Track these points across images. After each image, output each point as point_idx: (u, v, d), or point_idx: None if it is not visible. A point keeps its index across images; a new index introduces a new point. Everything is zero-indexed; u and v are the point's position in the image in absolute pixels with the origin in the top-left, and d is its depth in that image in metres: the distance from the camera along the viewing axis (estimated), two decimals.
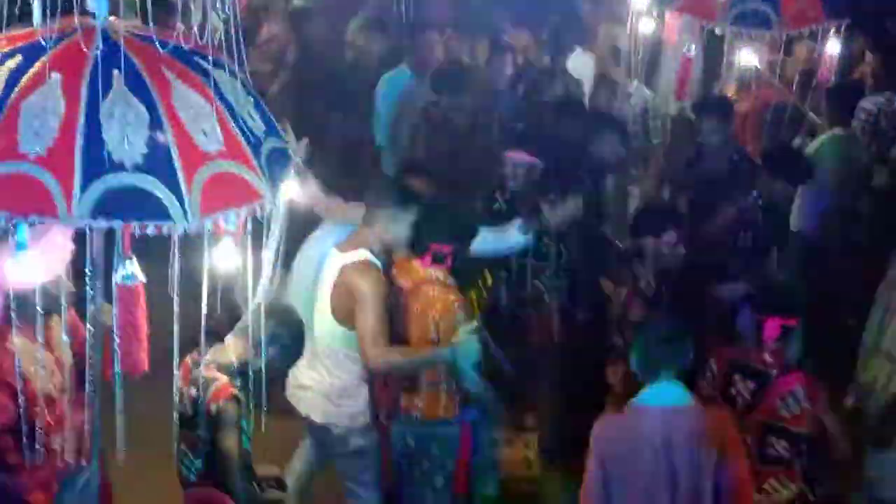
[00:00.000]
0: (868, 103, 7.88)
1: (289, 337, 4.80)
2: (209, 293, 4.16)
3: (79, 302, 4.66)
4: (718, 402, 4.86)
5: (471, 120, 7.40)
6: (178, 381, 4.40)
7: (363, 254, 5.12)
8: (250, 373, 4.52)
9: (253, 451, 4.81)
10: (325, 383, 5.21)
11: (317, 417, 5.31)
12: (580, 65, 8.68)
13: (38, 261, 3.90)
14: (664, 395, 4.29)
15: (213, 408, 4.59)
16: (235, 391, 4.62)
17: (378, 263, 5.16)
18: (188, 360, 4.67)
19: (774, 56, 8.11)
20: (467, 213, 5.50)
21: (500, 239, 5.74)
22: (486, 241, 5.60)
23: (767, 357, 4.89)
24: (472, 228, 5.42)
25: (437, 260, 5.24)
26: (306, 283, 5.20)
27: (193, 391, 4.60)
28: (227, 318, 5.38)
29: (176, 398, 4.38)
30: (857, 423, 5.80)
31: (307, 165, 4.97)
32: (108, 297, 4.52)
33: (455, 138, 7.27)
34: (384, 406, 5.38)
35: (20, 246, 3.71)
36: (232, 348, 4.74)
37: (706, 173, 7.07)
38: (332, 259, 5.14)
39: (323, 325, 5.16)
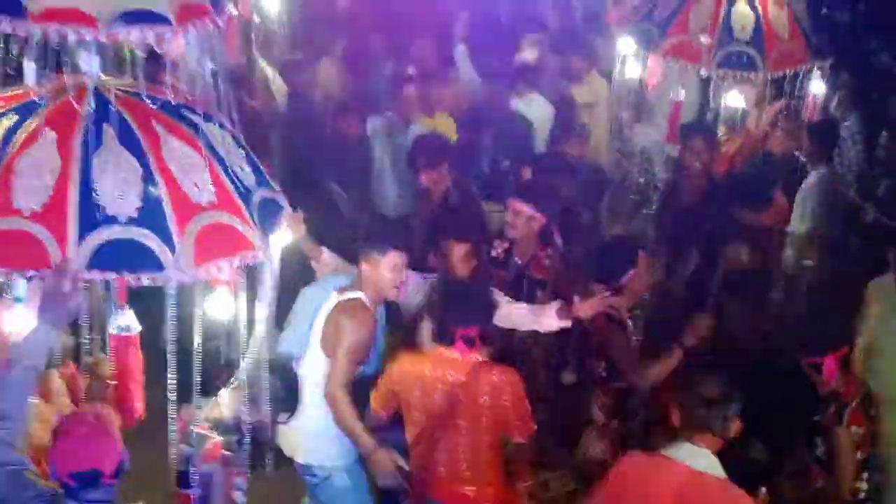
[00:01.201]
0: (844, 132, 8.02)
1: (284, 390, 4.84)
2: (207, 345, 4.24)
3: (76, 354, 4.72)
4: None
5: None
6: (176, 436, 4.43)
7: (358, 294, 5.19)
8: (244, 428, 4.53)
9: None
10: (311, 422, 5.22)
11: (299, 458, 5.28)
12: (536, 109, 8.59)
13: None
14: (695, 455, 4.11)
15: (203, 468, 4.52)
16: (225, 452, 4.58)
17: (370, 305, 5.21)
18: (184, 414, 4.60)
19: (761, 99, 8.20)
20: (484, 289, 5.13)
21: (535, 319, 5.49)
22: (522, 316, 5.44)
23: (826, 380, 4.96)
24: (493, 304, 5.10)
25: (469, 344, 4.88)
26: (302, 321, 5.25)
27: (187, 450, 4.54)
28: (224, 371, 5.49)
29: (173, 454, 4.42)
30: None
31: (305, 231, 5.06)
32: (105, 349, 4.60)
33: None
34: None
35: (18, 300, 3.77)
36: (226, 403, 4.72)
37: (682, 203, 7.12)
38: (330, 300, 5.23)
39: (312, 360, 5.22)
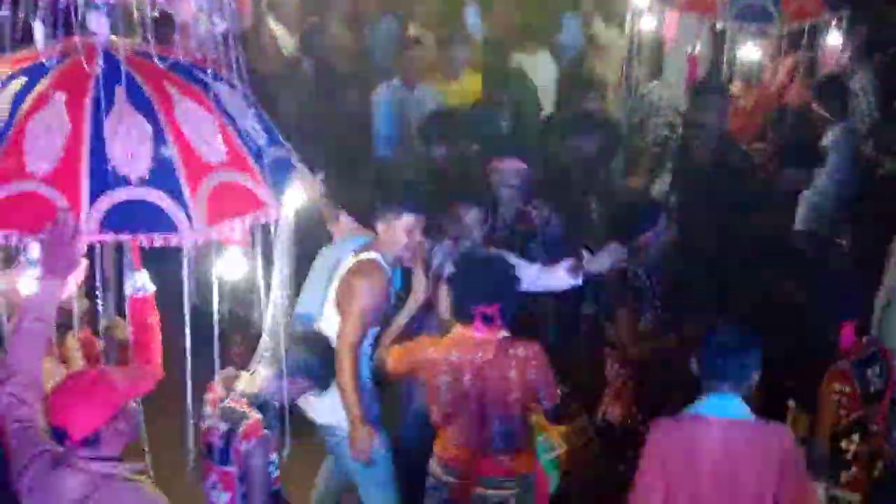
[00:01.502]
0: (854, 84, 7.87)
1: (320, 366, 4.79)
2: (223, 310, 4.21)
3: (92, 317, 4.73)
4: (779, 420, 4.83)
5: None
6: (207, 408, 4.44)
7: (372, 255, 5.20)
8: (277, 404, 4.49)
9: (282, 478, 4.64)
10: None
11: (321, 418, 5.33)
12: (543, 67, 8.62)
13: None
14: (724, 406, 4.19)
15: (243, 446, 4.39)
16: (265, 432, 4.45)
17: (385, 266, 5.21)
18: (218, 386, 4.54)
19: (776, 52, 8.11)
20: (505, 265, 4.98)
21: (549, 278, 5.51)
22: (536, 278, 5.44)
23: (865, 342, 5.06)
24: (515, 281, 4.94)
25: (487, 321, 4.82)
26: (319, 282, 5.27)
27: (223, 426, 4.41)
28: (242, 338, 5.48)
29: (204, 425, 4.42)
30: None
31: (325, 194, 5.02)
32: (120, 312, 4.62)
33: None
34: None
35: (32, 263, 3.77)
36: (259, 378, 4.57)
37: (697, 162, 7.07)
38: (347, 261, 5.24)
39: (328, 320, 5.24)
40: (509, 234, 6.09)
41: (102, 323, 4.74)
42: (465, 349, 4.83)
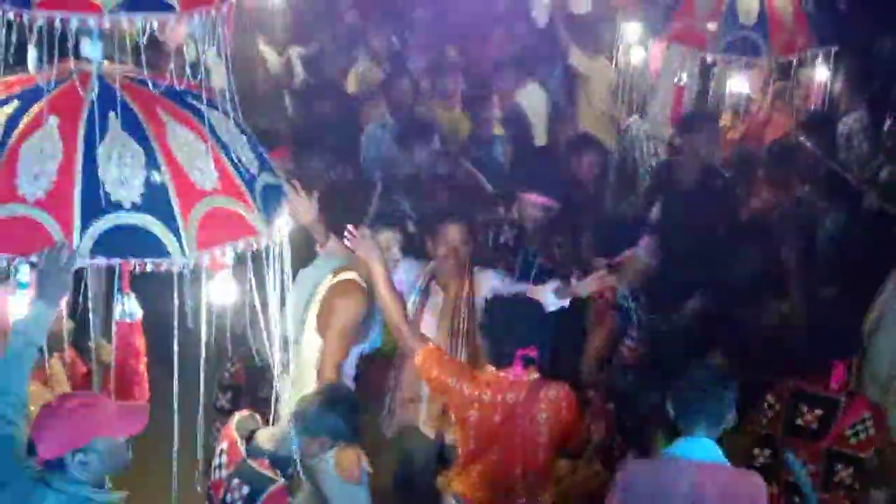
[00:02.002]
0: (841, 125, 7.82)
1: (346, 426, 4.47)
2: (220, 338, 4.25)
3: (76, 338, 4.72)
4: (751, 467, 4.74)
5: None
6: (222, 456, 4.34)
7: (351, 275, 5.22)
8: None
9: None
10: None
11: None
12: (533, 99, 8.55)
13: None
14: (696, 449, 4.12)
15: None
16: (289, 499, 4.27)
17: (364, 286, 5.23)
18: (233, 431, 4.38)
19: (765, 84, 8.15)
20: (538, 307, 4.93)
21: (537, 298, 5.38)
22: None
23: (833, 384, 4.84)
24: (548, 320, 4.93)
25: (528, 364, 4.70)
26: (299, 303, 5.26)
27: (245, 488, 4.20)
28: (243, 367, 5.48)
29: (217, 475, 4.33)
30: None
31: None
32: (105, 334, 4.60)
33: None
34: None
35: (22, 285, 3.78)
36: (281, 434, 4.35)
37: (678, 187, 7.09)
38: (325, 281, 5.26)
39: (309, 340, 5.25)
40: (526, 266, 6.04)
41: (90, 345, 4.72)
42: (497, 389, 4.70)
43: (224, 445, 4.38)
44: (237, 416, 4.48)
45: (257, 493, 4.16)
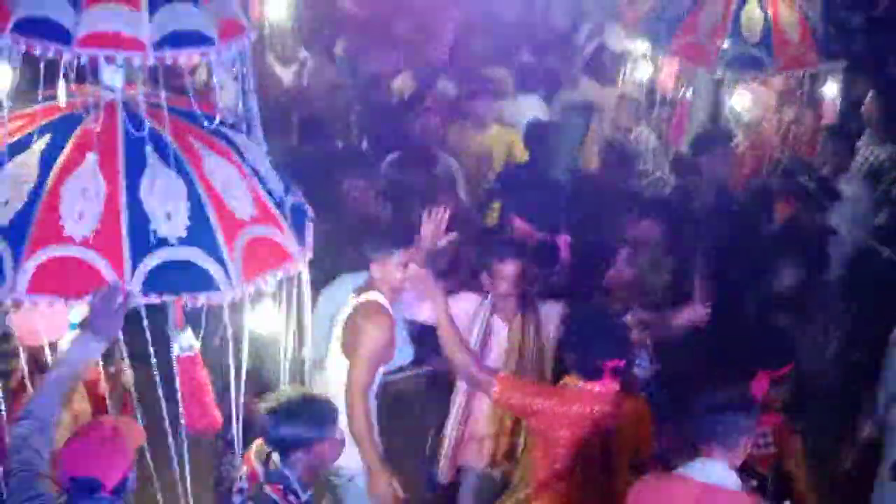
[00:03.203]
0: (869, 153, 7.82)
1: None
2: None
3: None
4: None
5: None
6: (242, 482, 4.28)
7: (374, 295, 5.22)
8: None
9: None
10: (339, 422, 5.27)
11: None
12: (534, 111, 8.49)
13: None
14: (708, 470, 4.14)
15: None
16: None
17: (388, 307, 5.25)
18: (254, 458, 4.28)
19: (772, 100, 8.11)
20: (621, 320, 5.05)
21: None
22: None
23: (755, 393, 4.87)
24: (629, 331, 5.03)
25: (616, 375, 4.72)
26: (325, 324, 5.26)
27: None
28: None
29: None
30: (873, 454, 5.74)
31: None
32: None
33: None
34: None
35: (73, 326, 3.76)
36: None
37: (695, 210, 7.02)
38: (349, 302, 5.25)
39: (335, 361, 5.23)
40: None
41: (110, 369, 4.70)
42: (585, 403, 4.70)
43: (244, 470, 4.34)
44: (256, 443, 4.38)
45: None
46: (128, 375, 4.70)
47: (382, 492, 5.09)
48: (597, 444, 4.71)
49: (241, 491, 4.27)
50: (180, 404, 4.01)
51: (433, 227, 5.17)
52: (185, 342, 3.93)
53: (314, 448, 4.14)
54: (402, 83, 8.88)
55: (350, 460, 5.21)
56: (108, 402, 4.63)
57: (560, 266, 5.88)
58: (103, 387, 4.76)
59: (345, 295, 5.25)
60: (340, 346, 5.18)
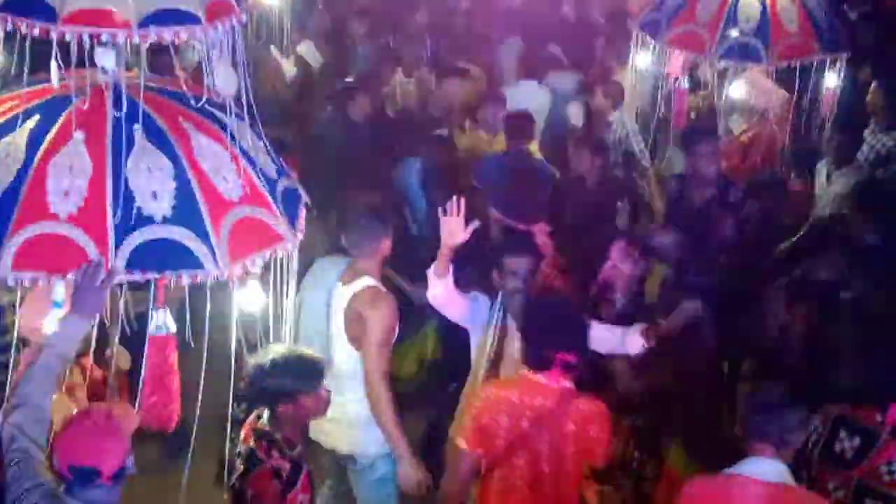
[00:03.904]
0: (875, 141, 7.68)
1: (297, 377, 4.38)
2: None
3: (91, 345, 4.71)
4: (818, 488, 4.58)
5: None
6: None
7: (368, 281, 5.20)
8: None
9: None
10: (352, 410, 5.19)
11: (343, 447, 5.29)
12: (528, 97, 8.50)
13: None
14: (762, 468, 4.05)
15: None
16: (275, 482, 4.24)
17: (384, 290, 5.26)
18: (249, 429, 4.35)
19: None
20: (580, 313, 4.79)
21: (620, 340, 5.27)
22: (605, 339, 5.18)
23: (878, 416, 4.59)
24: (588, 327, 4.70)
25: (567, 369, 4.51)
26: (318, 315, 5.23)
27: (241, 468, 4.23)
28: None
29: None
30: None
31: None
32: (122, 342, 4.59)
33: None
34: None
35: (56, 304, 3.77)
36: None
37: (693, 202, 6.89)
38: (338, 291, 5.22)
39: (342, 351, 5.21)
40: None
41: (106, 352, 4.71)
42: (528, 393, 4.52)
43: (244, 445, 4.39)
44: (255, 414, 4.44)
45: (248, 472, 4.20)
46: (126, 359, 4.70)
47: (416, 479, 5.09)
48: (539, 437, 4.51)
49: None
50: (140, 388, 3.98)
51: (455, 220, 4.98)
52: (160, 321, 3.91)
53: (300, 400, 4.24)
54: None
55: (370, 446, 5.24)
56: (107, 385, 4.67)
57: (542, 255, 5.68)
58: (101, 374, 4.80)
59: (331, 282, 5.21)
60: (346, 336, 5.16)
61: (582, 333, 4.60)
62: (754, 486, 4.04)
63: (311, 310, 5.18)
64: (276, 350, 4.28)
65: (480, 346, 5.20)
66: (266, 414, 4.26)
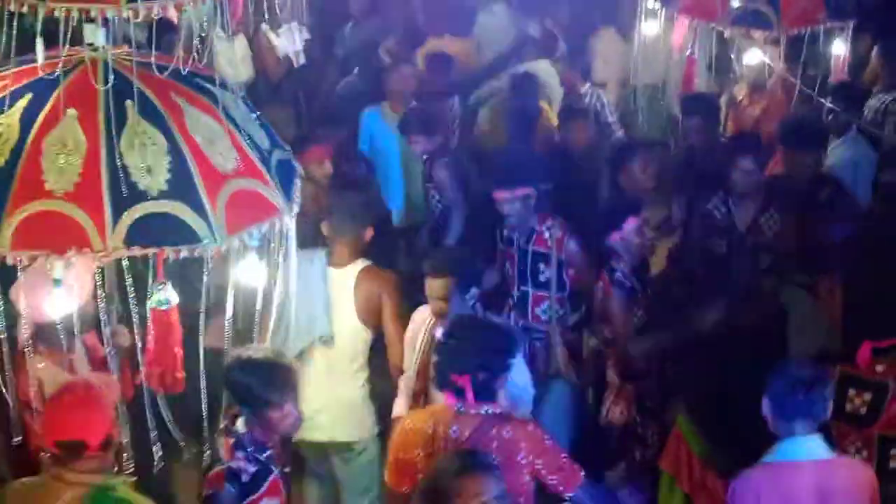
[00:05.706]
0: (877, 100, 7.58)
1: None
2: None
3: (97, 323, 4.73)
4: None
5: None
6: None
7: (365, 261, 5.32)
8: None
9: None
10: (346, 396, 5.30)
11: (342, 437, 5.32)
12: (546, 75, 8.49)
13: (71, 292, 3.93)
14: (808, 448, 4.01)
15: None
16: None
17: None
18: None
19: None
20: (497, 336, 4.24)
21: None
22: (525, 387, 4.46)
23: (878, 368, 4.59)
24: (503, 354, 4.14)
25: (457, 394, 4.10)
26: (319, 300, 5.24)
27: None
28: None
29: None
30: None
31: None
32: (123, 320, 4.61)
33: None
34: None
35: (57, 283, 3.77)
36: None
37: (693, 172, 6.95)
38: (335, 274, 5.28)
39: (347, 332, 5.27)
40: (521, 255, 5.95)
41: (107, 330, 4.72)
42: (443, 422, 4.12)
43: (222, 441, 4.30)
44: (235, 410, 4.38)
45: (208, 470, 4.15)
46: (126, 336, 4.71)
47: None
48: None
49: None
50: (142, 356, 3.98)
51: None
52: (162, 296, 3.91)
53: (264, 409, 4.07)
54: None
55: (366, 429, 5.36)
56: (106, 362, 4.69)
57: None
58: (103, 350, 4.81)
59: (318, 270, 5.28)
60: (357, 316, 5.26)
61: (484, 357, 4.10)
62: (809, 468, 4.02)
63: (302, 299, 4.89)
64: (256, 349, 4.18)
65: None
66: (244, 414, 4.16)
